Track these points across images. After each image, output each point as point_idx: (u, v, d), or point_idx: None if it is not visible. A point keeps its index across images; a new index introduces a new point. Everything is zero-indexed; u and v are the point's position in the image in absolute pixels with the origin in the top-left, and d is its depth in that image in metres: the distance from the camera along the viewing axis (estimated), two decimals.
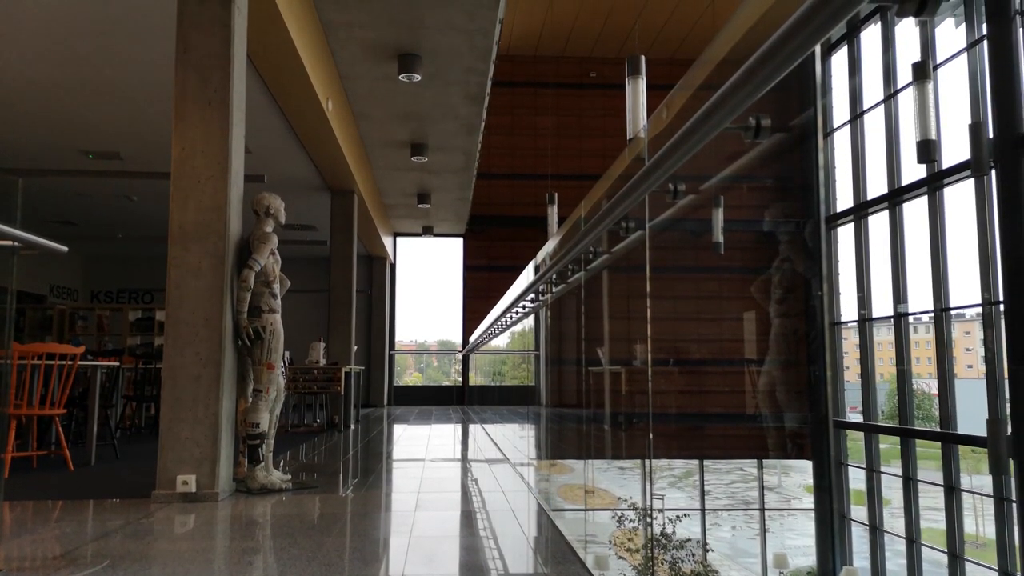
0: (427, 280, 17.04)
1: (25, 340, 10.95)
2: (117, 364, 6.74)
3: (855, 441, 8.24)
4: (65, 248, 3.49)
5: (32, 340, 10.68)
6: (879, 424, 7.95)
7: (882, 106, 7.68)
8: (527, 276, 5.57)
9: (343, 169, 9.43)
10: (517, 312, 5.94)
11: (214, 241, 4.43)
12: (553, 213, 9.40)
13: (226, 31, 4.53)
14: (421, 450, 7.14)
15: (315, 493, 4.60)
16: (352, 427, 9.53)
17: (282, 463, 5.93)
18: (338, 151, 8.58)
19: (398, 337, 16.94)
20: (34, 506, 4.22)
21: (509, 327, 7.72)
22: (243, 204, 4.72)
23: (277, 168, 9.36)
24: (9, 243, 2.78)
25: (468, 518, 3.99)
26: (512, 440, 8.70)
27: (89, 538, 3.35)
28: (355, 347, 11.08)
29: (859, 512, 7.96)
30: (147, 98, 7.19)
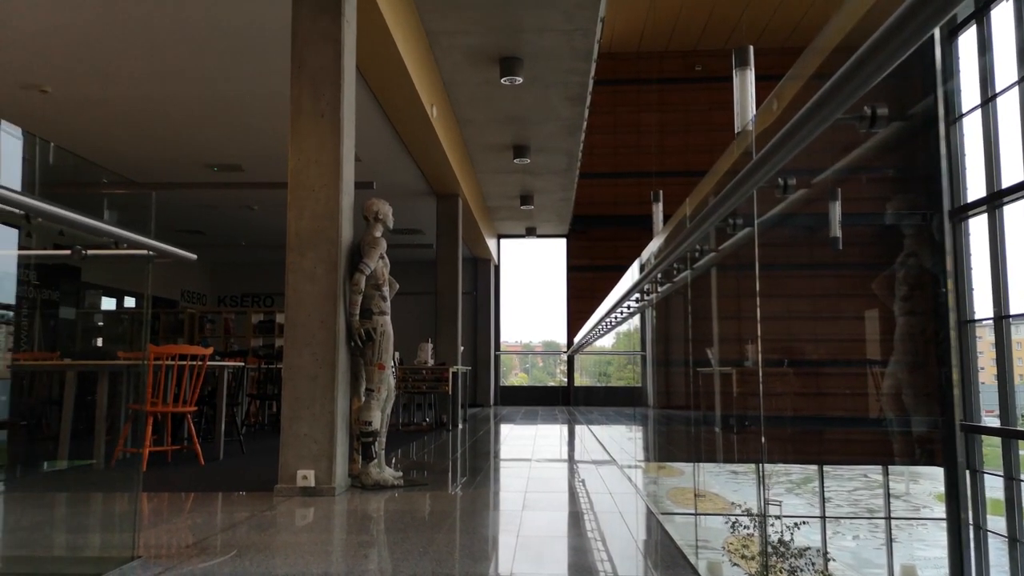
0: (531, 281, 17.15)
1: (160, 342, 11.74)
2: (242, 364, 7.14)
3: (991, 447, 7.66)
4: (194, 256, 3.72)
5: (166, 342, 11.43)
6: (1019, 429, 7.36)
7: (1017, 87, 7.11)
8: (631, 275, 5.49)
9: (448, 174, 9.61)
10: (622, 312, 5.87)
11: (328, 247, 4.61)
12: (658, 211, 9.22)
13: (336, 46, 4.71)
14: (528, 450, 7.18)
15: (425, 490, 4.71)
16: (460, 426, 9.70)
17: (394, 461, 6.11)
18: (443, 156, 8.76)
19: (503, 338, 17.12)
20: (169, 497, 4.53)
21: (614, 327, 7.63)
22: (354, 210, 4.90)
23: (385, 175, 9.66)
24: (144, 252, 2.99)
25: (576, 519, 3.98)
26: (619, 441, 8.61)
27: (218, 528, 3.56)
28: (462, 348, 11.26)
29: (997, 523, 7.39)
30: (265, 113, 7.59)
